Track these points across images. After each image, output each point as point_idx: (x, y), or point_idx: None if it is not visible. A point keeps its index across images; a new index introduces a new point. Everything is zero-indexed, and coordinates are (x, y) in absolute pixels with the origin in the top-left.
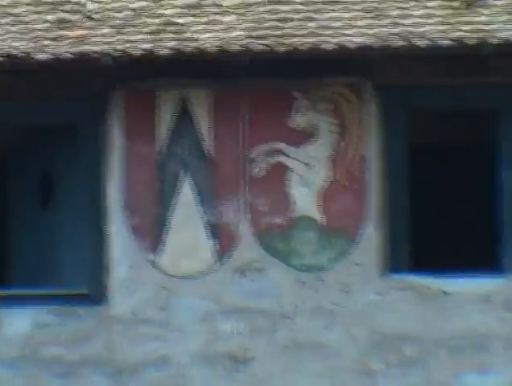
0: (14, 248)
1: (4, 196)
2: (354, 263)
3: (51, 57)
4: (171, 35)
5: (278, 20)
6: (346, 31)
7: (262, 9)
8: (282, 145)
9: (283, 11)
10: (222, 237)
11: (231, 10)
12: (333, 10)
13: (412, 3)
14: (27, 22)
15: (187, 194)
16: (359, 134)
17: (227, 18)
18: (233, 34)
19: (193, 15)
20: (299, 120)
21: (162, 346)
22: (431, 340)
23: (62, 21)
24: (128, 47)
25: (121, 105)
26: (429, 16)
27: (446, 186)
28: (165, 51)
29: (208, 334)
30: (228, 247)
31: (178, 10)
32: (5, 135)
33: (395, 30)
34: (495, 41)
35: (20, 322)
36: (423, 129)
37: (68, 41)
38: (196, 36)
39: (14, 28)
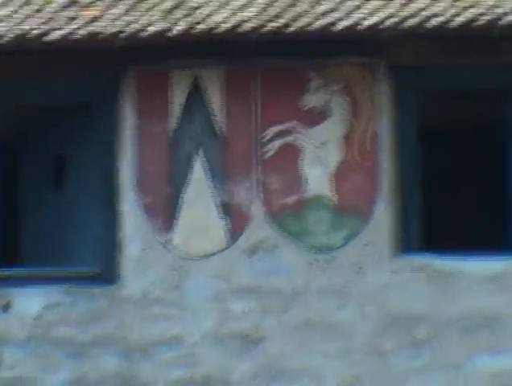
0: (26, 228)
1: (17, 176)
2: (366, 243)
3: (63, 37)
4: (184, 16)
5: (289, 0)
6: (358, 12)
7: None
8: (294, 125)
9: None
10: (234, 217)
11: None
12: None
13: None
14: (39, 3)
15: (199, 173)
16: (371, 114)
17: None
18: (245, 14)
19: None
20: (312, 99)
21: (173, 325)
22: (443, 320)
23: (74, 1)
24: (140, 28)
25: (133, 85)
26: None
27: (453, 168)
28: (177, 32)
29: (220, 314)
30: (240, 226)
31: None
32: (18, 116)
33: (407, 11)
34: (505, 22)
35: (32, 301)
36: (431, 111)
37: (80, 21)
38: (208, 16)
39: (26, 8)
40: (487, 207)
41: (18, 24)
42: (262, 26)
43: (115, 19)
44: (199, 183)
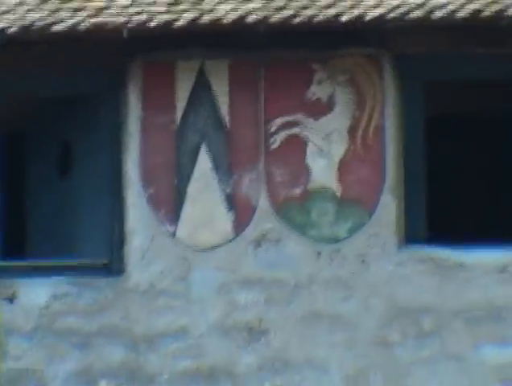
0: (32, 219)
1: (23, 166)
2: (371, 234)
3: (69, 28)
4: (189, 6)
5: None
6: (363, 2)
7: None
8: (299, 116)
9: None
10: (239, 208)
11: None
12: None
13: None
14: None
15: (204, 164)
16: (377, 105)
17: None
18: (251, 5)
19: None
20: (317, 91)
21: (179, 317)
22: (449, 311)
23: None
24: (146, 19)
25: (139, 76)
26: None
27: (460, 158)
28: (183, 22)
29: (226, 305)
30: (245, 218)
31: None
32: (24, 107)
33: (412, 2)
34: (511, 12)
35: (38, 292)
36: (437, 101)
37: (86, 12)
38: (213, 7)
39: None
40: (494, 198)
41: (24, 15)
42: (268, 17)
43: (121, 10)
44: (204, 174)
